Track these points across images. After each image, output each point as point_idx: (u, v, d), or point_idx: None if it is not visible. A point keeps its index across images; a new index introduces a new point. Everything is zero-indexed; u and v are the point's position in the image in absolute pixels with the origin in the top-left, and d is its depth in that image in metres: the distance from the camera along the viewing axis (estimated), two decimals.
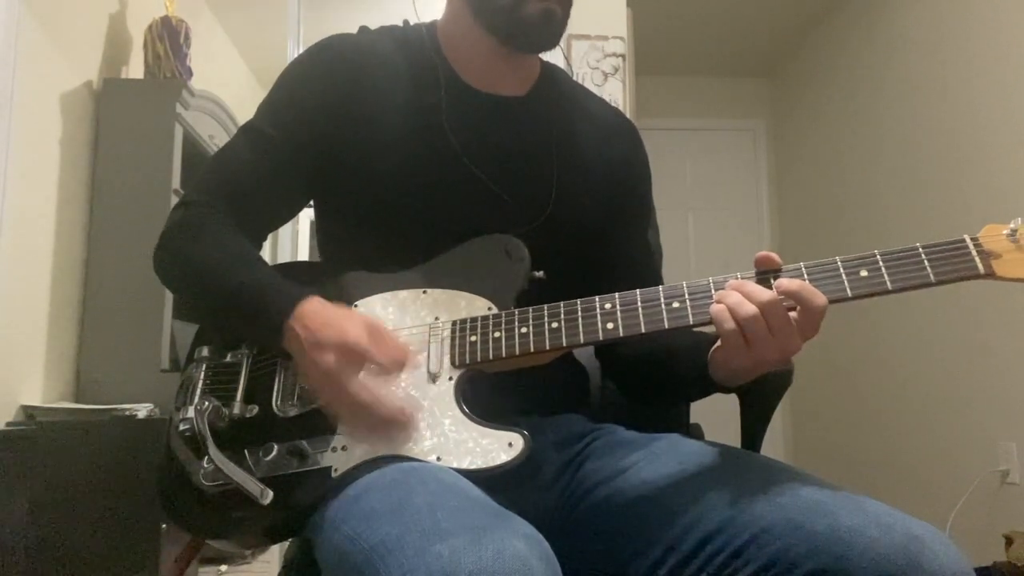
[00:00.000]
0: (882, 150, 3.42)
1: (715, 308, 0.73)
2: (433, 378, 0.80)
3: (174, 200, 2.09)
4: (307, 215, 1.07)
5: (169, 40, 2.27)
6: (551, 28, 0.91)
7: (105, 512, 1.65)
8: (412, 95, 0.93)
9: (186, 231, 0.90)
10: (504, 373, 0.82)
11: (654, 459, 0.82)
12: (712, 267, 1.28)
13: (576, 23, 0.98)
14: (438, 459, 0.75)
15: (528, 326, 0.79)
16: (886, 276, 0.71)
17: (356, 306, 0.87)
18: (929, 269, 0.70)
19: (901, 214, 3.26)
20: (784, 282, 0.72)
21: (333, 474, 0.76)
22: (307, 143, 0.92)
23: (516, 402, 0.85)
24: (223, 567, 2.22)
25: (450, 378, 0.80)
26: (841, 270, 0.73)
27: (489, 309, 0.82)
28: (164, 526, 1.67)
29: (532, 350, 0.78)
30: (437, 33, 0.99)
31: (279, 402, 0.83)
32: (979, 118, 2.76)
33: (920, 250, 0.71)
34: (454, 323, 0.82)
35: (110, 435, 1.74)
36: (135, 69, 2.40)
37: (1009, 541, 2.29)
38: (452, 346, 0.81)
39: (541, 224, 0.92)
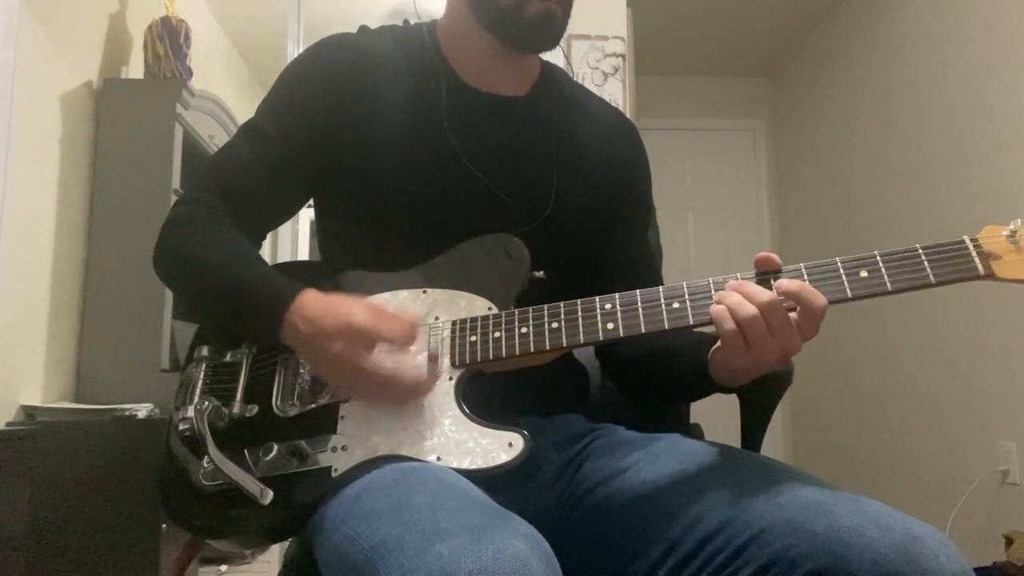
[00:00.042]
0: (882, 150, 3.42)
1: (715, 309, 0.73)
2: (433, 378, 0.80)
3: (174, 200, 2.09)
4: (307, 215, 1.07)
5: (169, 40, 2.27)
6: (551, 28, 0.91)
7: (105, 512, 1.65)
8: (412, 95, 0.93)
9: (185, 229, 0.90)
10: (504, 373, 0.82)
11: (654, 459, 0.82)
12: (712, 267, 1.28)
13: (576, 23, 0.98)
14: (438, 459, 0.75)
15: (528, 326, 0.79)
16: (886, 277, 0.71)
17: None
18: (929, 270, 0.71)
19: (901, 214, 3.26)
20: (784, 283, 0.72)
21: (333, 474, 0.76)
22: (307, 143, 0.92)
23: (516, 402, 0.85)
24: (223, 567, 2.23)
25: (450, 378, 0.79)
26: (841, 271, 0.73)
27: (489, 309, 0.82)
28: (164, 526, 1.67)
29: (532, 350, 0.78)
30: (437, 33, 0.99)
31: (279, 402, 0.83)
32: (979, 118, 2.76)
33: (920, 251, 0.71)
34: (454, 323, 0.82)
35: (110, 435, 1.74)
36: (135, 69, 2.40)
37: (1009, 541, 2.29)
38: (452, 346, 0.81)
39: (541, 224, 0.92)
